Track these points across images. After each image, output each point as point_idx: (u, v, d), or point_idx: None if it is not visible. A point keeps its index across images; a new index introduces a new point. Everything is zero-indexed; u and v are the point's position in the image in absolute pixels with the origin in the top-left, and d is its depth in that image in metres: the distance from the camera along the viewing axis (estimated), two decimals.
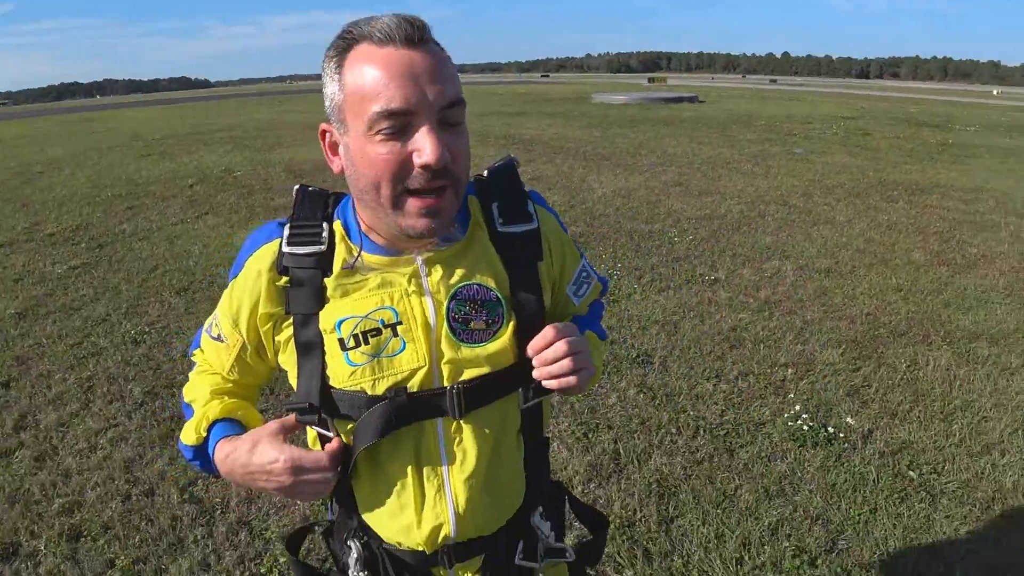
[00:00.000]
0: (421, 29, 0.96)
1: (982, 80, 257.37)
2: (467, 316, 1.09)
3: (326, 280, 1.09)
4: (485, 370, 1.10)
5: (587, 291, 1.31)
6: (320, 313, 1.09)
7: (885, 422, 3.93)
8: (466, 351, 1.09)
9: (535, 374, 1.09)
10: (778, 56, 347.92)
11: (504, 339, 1.12)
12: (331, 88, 1.01)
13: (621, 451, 3.57)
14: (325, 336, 1.09)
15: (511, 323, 1.13)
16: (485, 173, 1.19)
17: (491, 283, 1.12)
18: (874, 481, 3.39)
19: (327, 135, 1.07)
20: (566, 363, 1.07)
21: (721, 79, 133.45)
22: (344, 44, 0.99)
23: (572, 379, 1.08)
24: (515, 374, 1.13)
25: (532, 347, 1.09)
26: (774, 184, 11.04)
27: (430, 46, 0.98)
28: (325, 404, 1.10)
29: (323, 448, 1.11)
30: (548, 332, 1.08)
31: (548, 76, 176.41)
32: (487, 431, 1.13)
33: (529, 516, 1.27)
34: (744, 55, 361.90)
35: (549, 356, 1.07)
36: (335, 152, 1.07)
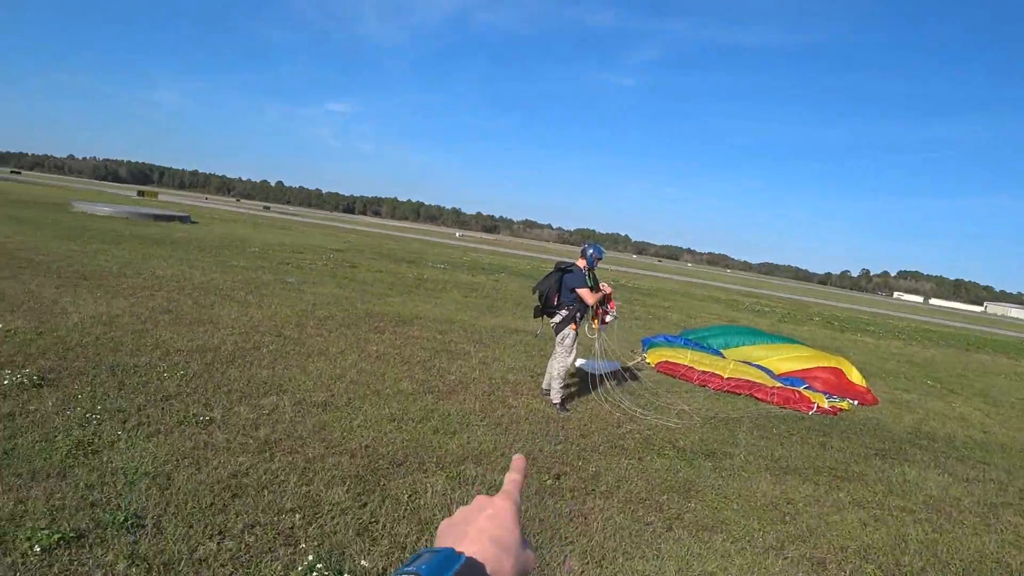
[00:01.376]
0: None
1: (447, 223, 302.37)
2: None
3: None
4: None
5: None
6: None
7: (397, 556, 4.01)
8: None
9: None
10: (272, 184, 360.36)
11: None
12: None
13: None
14: None
15: None
16: None
17: None
18: None
19: None
20: None
21: (215, 200, 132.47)
22: None
23: None
24: None
25: None
26: (268, 314, 11.04)
27: None
28: None
29: None
30: None
31: (20, 173, 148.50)
32: None
33: None
34: (239, 179, 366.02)
35: None
36: None
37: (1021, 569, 5.31)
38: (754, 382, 10.39)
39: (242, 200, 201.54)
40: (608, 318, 8.75)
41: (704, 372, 10.73)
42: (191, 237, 24.57)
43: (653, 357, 11.89)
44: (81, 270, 12.86)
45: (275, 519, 4.22)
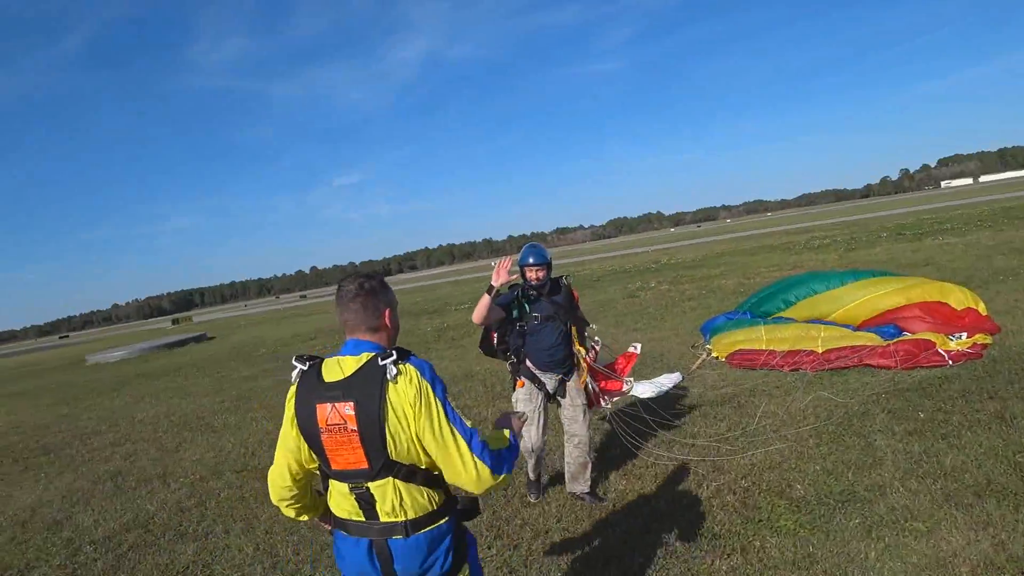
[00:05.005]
0: None
1: (481, 256, 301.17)
2: None
3: None
4: None
5: None
6: None
7: None
8: None
9: None
10: (307, 272, 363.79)
11: None
12: None
13: None
14: None
15: None
16: None
17: None
18: None
19: None
20: None
21: (255, 305, 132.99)
22: None
23: None
24: None
25: None
26: (242, 439, 8.96)
27: None
28: None
29: None
30: None
31: (68, 336, 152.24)
32: None
33: None
34: (275, 276, 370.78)
35: None
36: None
37: None
38: (866, 346, 7.66)
39: (281, 296, 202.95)
40: (625, 387, 5.87)
41: (791, 352, 8.05)
42: (199, 357, 22.89)
43: (720, 348, 9.09)
44: (48, 443, 11.06)
45: None
